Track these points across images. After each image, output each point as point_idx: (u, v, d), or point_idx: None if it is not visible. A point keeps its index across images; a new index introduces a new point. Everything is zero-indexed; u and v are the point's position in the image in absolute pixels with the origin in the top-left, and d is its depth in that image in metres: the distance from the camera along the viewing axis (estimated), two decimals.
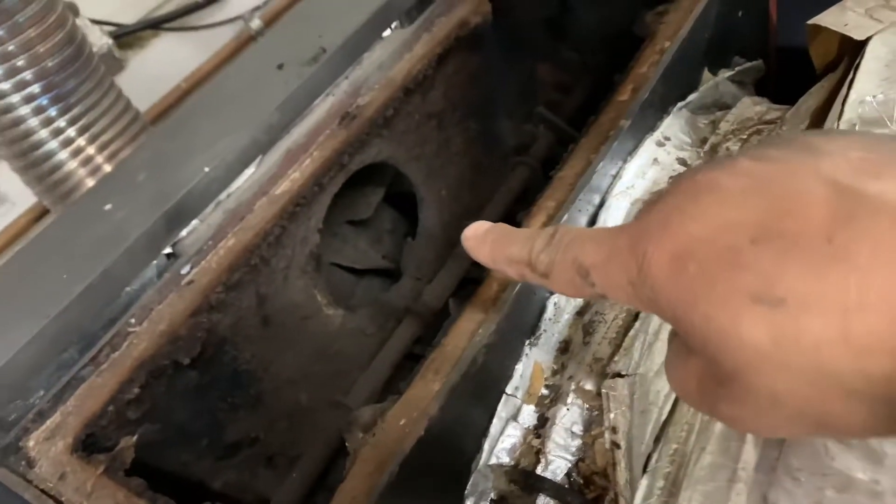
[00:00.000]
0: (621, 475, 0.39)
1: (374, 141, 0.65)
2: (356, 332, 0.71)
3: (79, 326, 0.51)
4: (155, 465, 0.57)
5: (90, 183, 1.07)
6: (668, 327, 0.42)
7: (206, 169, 0.57)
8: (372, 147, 0.66)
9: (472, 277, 0.70)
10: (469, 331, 0.42)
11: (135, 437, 0.46)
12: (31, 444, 0.46)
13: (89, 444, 0.47)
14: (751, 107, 0.57)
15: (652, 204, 0.26)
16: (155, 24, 1.36)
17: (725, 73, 0.61)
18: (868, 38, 0.49)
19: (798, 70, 0.65)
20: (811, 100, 0.53)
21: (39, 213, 1.18)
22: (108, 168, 1.05)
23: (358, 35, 0.66)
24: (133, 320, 0.52)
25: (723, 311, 0.22)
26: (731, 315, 0.22)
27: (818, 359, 0.21)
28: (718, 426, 0.34)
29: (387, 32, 0.69)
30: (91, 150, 1.05)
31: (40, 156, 1.02)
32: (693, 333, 0.24)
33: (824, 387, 0.22)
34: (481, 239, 0.34)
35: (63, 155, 1.03)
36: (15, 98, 0.97)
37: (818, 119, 0.49)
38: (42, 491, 0.43)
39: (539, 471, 0.41)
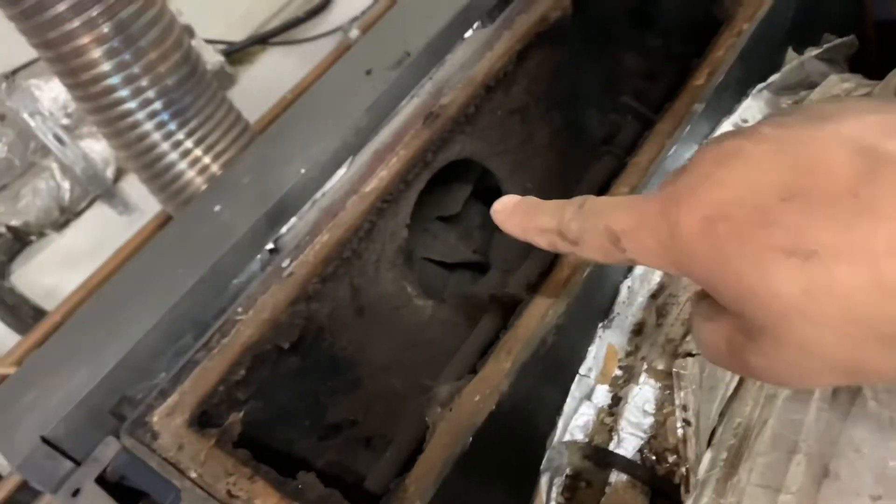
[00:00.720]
0: (692, 451, 0.39)
1: (457, 138, 0.68)
2: (445, 322, 0.74)
3: (193, 315, 0.56)
4: (264, 443, 0.62)
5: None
6: None
7: (303, 171, 0.62)
8: (455, 144, 0.68)
9: None
10: (540, 313, 0.44)
11: (241, 414, 0.51)
12: (154, 419, 0.52)
13: (203, 420, 0.52)
14: (838, 84, 0.56)
15: (679, 172, 0.27)
16: (262, 40, 1.45)
17: (813, 52, 0.59)
18: None
19: None
20: None
21: (164, 220, 1.29)
22: None
23: (441, 37, 0.69)
24: (240, 309, 0.57)
25: (755, 267, 0.24)
26: (763, 269, 0.23)
27: (850, 305, 0.22)
28: (781, 400, 0.34)
29: (468, 33, 0.72)
30: (207, 160, 1.14)
31: (163, 167, 1.12)
32: (725, 291, 0.25)
33: (857, 333, 0.23)
34: (510, 211, 0.35)
35: (182, 165, 1.13)
36: (140, 115, 1.07)
37: None
38: (164, 459, 0.49)
39: (611, 447, 0.43)
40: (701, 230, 0.25)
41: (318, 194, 0.63)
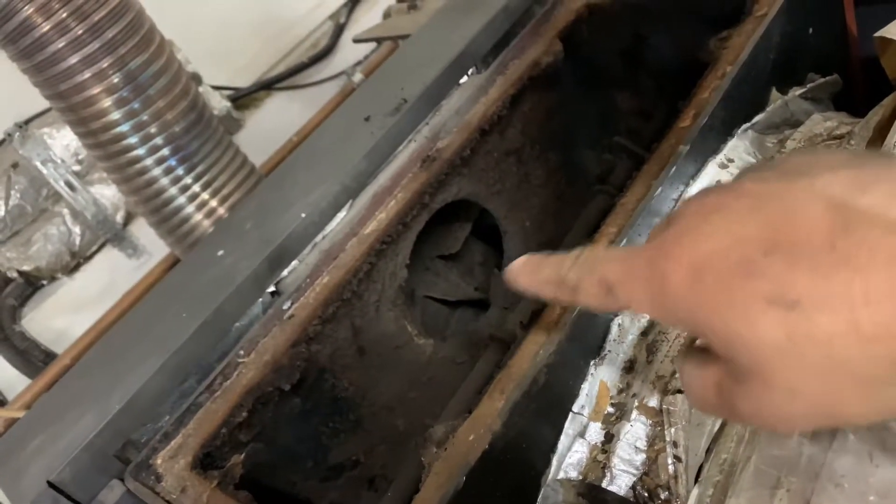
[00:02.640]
0: (683, 487, 0.40)
1: (453, 180, 0.70)
2: (447, 361, 0.75)
3: (196, 359, 0.58)
4: (268, 485, 0.63)
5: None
6: None
7: (303, 215, 0.63)
8: (452, 186, 0.70)
9: None
10: (532, 352, 0.45)
11: (242, 456, 0.52)
12: (158, 461, 0.53)
13: (206, 462, 0.53)
14: (821, 122, 0.57)
15: (665, 225, 0.29)
16: (267, 86, 1.49)
17: (797, 91, 0.61)
18: None
19: (885, 81, 0.64)
20: (879, 112, 0.52)
21: (173, 262, 1.31)
22: None
23: (436, 84, 0.71)
24: (242, 352, 0.58)
25: (741, 315, 0.25)
26: (749, 318, 0.25)
27: (831, 351, 0.24)
28: (764, 436, 0.35)
29: (464, 79, 0.74)
30: (213, 203, 1.16)
31: (170, 210, 1.14)
32: (713, 338, 0.26)
33: (838, 377, 0.24)
34: (519, 270, 0.37)
35: (190, 209, 1.15)
36: (149, 161, 1.10)
37: (882, 131, 0.49)
38: (167, 502, 0.50)
39: (605, 485, 0.43)
40: (688, 281, 0.27)
41: (319, 237, 0.65)
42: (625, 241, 0.48)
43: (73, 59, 0.96)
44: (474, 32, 0.74)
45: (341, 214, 0.66)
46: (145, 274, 1.30)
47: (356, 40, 1.07)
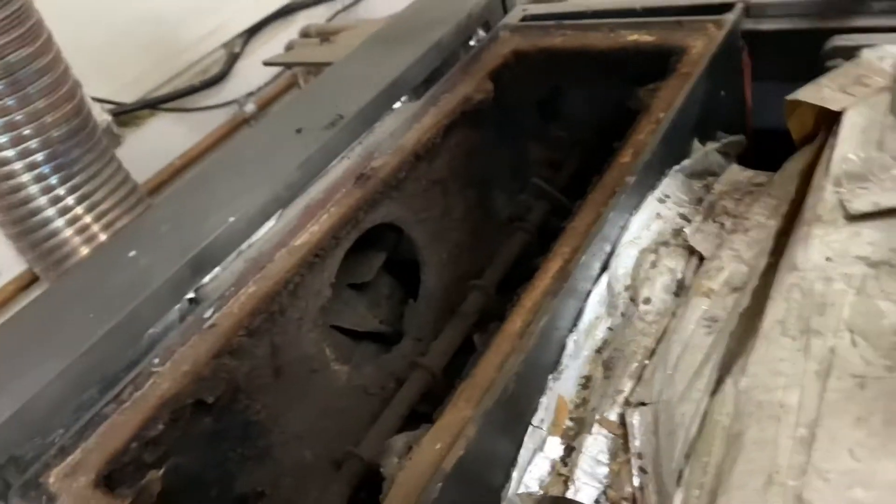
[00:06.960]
0: (650, 498, 0.40)
1: (385, 202, 0.69)
2: (360, 390, 0.71)
3: (101, 367, 0.51)
4: None
5: (84, 251, 1.07)
6: (687, 358, 0.45)
7: (231, 219, 0.59)
8: (383, 207, 0.69)
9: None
10: (497, 362, 0.44)
11: (162, 471, 0.46)
12: (51, 480, 0.46)
13: (114, 480, 0.46)
14: (739, 172, 0.63)
15: None
16: (152, 105, 1.40)
17: (713, 145, 0.66)
18: (844, 109, 0.55)
19: (771, 146, 0.71)
20: (797, 163, 0.58)
21: (28, 282, 1.18)
22: (103, 237, 1.06)
23: (372, 105, 0.70)
24: (156, 360, 0.52)
25: None
26: None
27: None
28: (748, 438, 0.36)
29: (397, 105, 0.75)
30: (87, 219, 1.06)
31: (36, 223, 1.03)
32: None
33: None
34: None
35: (59, 223, 1.04)
36: (17, 165, 0.99)
37: (805, 178, 0.54)
38: None
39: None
40: None
41: (245, 245, 0.61)
42: (583, 259, 0.49)
43: None
44: (409, 63, 0.75)
45: (270, 223, 0.62)
46: None
47: (267, 63, 1.04)
